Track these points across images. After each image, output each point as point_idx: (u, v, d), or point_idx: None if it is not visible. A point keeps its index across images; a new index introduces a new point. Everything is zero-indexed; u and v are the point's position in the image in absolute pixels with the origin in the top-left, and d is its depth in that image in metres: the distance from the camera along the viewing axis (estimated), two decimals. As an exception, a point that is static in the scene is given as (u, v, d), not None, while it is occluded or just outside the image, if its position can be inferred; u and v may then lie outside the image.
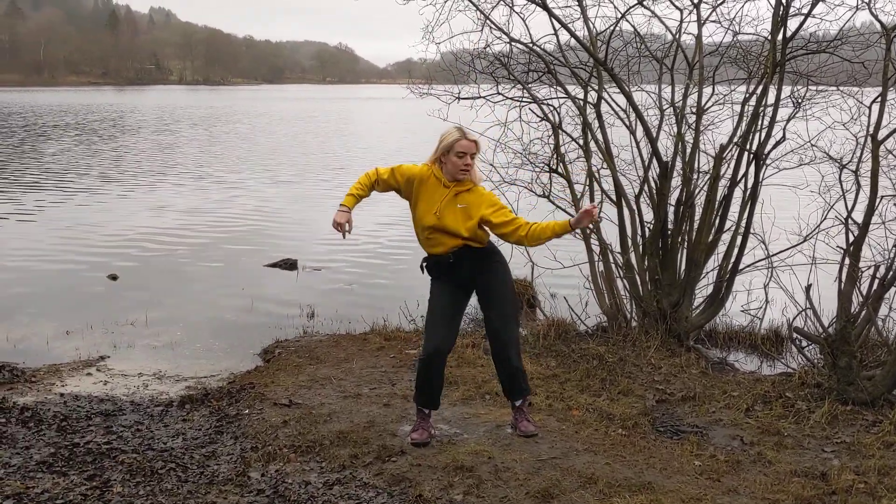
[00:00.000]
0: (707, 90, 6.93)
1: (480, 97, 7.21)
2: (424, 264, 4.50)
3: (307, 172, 20.05)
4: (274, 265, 9.86)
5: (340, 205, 4.26)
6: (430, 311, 4.46)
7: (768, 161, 6.70)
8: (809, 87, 6.72)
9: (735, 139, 6.62)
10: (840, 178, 6.39)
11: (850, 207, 6.20)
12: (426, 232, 4.37)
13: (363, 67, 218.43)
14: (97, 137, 30.39)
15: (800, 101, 6.73)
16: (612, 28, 6.83)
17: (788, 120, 6.69)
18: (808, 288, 5.72)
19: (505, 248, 4.58)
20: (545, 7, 6.72)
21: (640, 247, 6.75)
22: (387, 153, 25.09)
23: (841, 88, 6.66)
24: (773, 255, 6.70)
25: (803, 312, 5.89)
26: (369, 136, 33.54)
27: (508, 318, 4.41)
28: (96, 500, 3.87)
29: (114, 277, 9.12)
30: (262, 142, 29.53)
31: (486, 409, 5.03)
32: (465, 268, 4.38)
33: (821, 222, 6.53)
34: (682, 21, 6.88)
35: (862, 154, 6.21)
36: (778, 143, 6.66)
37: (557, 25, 6.84)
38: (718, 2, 6.76)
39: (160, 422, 4.96)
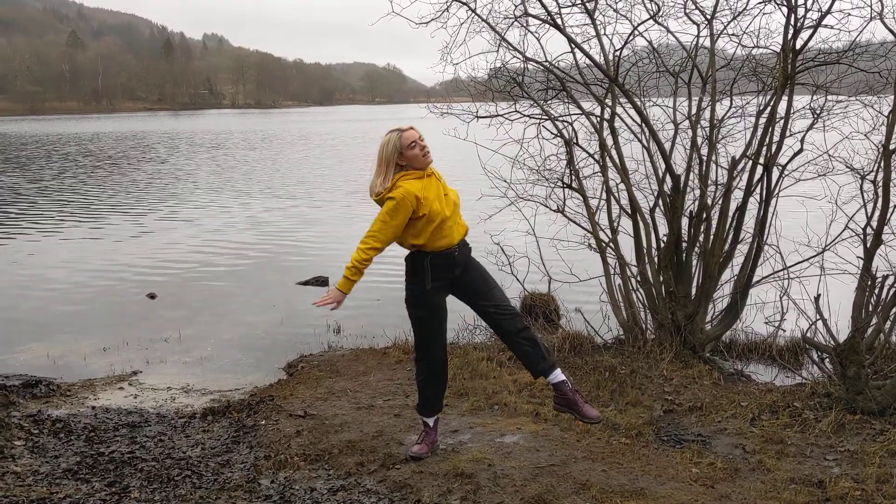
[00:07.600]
0: (725, 102, 7.00)
1: (498, 115, 7.34)
2: (429, 263, 4.34)
3: (344, 192, 20.38)
4: (306, 283, 10.12)
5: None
6: (435, 320, 4.52)
7: (786, 172, 6.73)
8: (828, 97, 6.72)
9: (749, 152, 6.66)
10: (861, 188, 6.40)
11: (869, 217, 6.19)
12: (446, 222, 4.29)
13: (411, 86, 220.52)
14: (146, 162, 31.30)
15: (818, 111, 6.75)
16: (624, 45, 6.94)
17: (807, 131, 6.70)
18: (817, 298, 5.73)
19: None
20: (558, 27, 6.87)
21: (656, 259, 6.81)
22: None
23: (860, 98, 6.65)
24: (789, 267, 6.70)
25: (816, 323, 5.90)
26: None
27: (506, 297, 4.47)
28: (114, 504, 4.11)
29: (152, 296, 9.48)
30: (303, 163, 30.06)
31: (493, 419, 5.15)
32: (460, 261, 4.38)
33: (840, 233, 6.53)
34: (698, 35, 6.98)
35: (881, 164, 6.19)
36: (796, 155, 6.68)
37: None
38: (732, 16, 6.85)
39: (182, 432, 5.20)
